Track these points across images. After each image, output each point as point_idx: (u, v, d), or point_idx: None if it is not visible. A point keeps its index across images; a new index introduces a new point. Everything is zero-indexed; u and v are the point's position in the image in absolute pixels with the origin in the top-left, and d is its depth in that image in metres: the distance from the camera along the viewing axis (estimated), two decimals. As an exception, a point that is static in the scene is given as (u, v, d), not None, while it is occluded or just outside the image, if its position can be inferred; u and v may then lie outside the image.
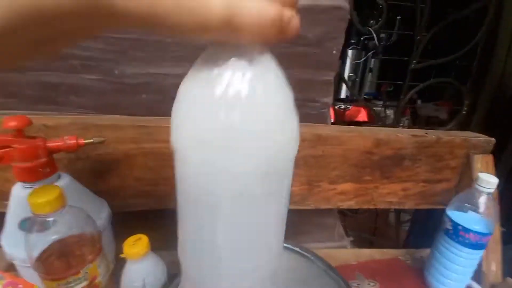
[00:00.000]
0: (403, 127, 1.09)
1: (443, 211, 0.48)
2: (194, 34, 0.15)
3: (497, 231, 0.52)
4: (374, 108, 1.05)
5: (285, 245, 0.47)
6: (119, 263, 0.40)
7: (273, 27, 0.16)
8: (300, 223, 0.65)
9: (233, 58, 0.18)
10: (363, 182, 0.57)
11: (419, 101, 1.31)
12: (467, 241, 0.43)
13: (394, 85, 1.09)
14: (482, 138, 0.58)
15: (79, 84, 0.49)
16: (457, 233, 0.44)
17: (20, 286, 0.39)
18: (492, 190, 0.43)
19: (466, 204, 0.45)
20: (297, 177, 0.53)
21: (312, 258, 0.45)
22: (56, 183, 0.39)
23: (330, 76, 0.56)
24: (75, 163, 0.48)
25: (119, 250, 0.54)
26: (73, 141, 0.38)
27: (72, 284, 0.33)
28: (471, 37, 0.87)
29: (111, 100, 0.51)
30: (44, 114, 0.47)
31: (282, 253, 0.27)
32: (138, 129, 0.47)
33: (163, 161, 0.49)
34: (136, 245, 0.36)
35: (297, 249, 0.45)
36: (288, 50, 0.51)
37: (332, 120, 0.85)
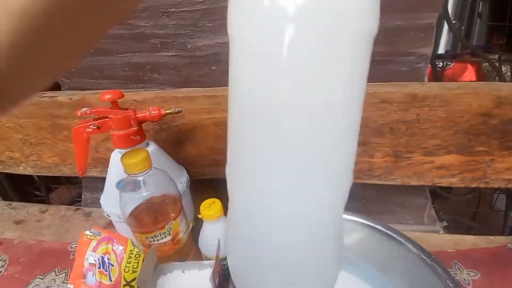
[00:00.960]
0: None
1: None
2: None
3: None
4: (485, 64, 0.75)
5: (365, 221, 0.37)
6: (197, 223, 0.40)
7: None
8: (381, 201, 0.52)
9: None
10: (474, 153, 0.40)
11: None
12: None
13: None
14: None
15: (159, 62, 0.48)
16: None
17: (115, 240, 0.40)
18: None
19: None
20: (380, 147, 0.40)
21: (400, 239, 0.33)
22: (147, 148, 0.40)
23: (431, 19, 0.40)
24: (159, 133, 0.48)
25: (197, 212, 0.53)
26: (156, 112, 0.40)
27: (158, 238, 0.34)
28: None
29: (185, 75, 0.48)
30: (134, 91, 0.47)
31: (344, 203, 0.20)
32: (209, 99, 0.43)
33: (232, 130, 0.44)
34: (211, 208, 0.35)
35: (380, 227, 0.34)
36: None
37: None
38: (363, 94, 0.17)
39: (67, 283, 0.45)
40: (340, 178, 0.19)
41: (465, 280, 0.36)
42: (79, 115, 0.37)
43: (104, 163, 0.55)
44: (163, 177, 0.35)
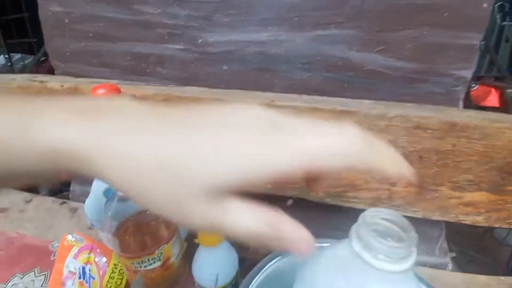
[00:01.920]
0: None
1: None
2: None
3: None
4: (509, 91, 0.70)
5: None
6: (192, 242, 0.34)
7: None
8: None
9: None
10: (504, 193, 0.35)
11: None
12: None
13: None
14: None
15: (165, 55, 0.42)
16: None
17: (98, 250, 0.35)
18: None
19: None
20: (404, 177, 0.35)
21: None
22: None
23: (475, 40, 0.34)
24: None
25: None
26: None
27: (146, 264, 0.29)
28: None
29: (192, 71, 0.42)
30: (134, 84, 0.41)
31: None
32: (216, 103, 0.36)
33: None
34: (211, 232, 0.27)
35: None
36: (409, 0, 0.32)
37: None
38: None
39: (45, 287, 0.41)
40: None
41: None
42: None
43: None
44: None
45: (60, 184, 0.79)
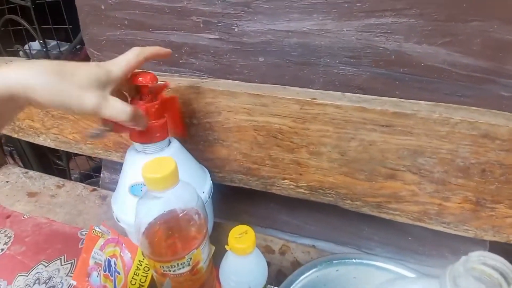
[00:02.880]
0: None
1: None
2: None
3: None
4: None
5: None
6: (218, 244, 0.32)
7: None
8: (432, 243, 0.42)
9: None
10: None
11: None
12: None
13: None
14: None
15: (198, 45, 0.39)
16: None
17: (124, 244, 0.33)
18: None
19: None
20: (461, 190, 0.30)
21: None
22: (166, 149, 0.34)
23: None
24: (188, 128, 0.39)
25: (219, 227, 0.45)
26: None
27: (175, 268, 0.27)
28: None
29: (226, 63, 0.39)
30: (167, 76, 0.39)
31: None
32: (252, 98, 0.34)
33: (275, 139, 0.35)
34: (243, 240, 0.28)
35: None
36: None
37: None
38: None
39: (71, 276, 0.40)
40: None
41: None
42: None
43: (126, 149, 0.49)
44: (190, 193, 0.27)
45: (91, 170, 0.81)
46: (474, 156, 0.30)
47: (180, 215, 0.26)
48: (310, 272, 0.31)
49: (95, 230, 0.40)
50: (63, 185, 0.58)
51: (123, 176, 0.34)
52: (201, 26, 0.40)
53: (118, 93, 0.28)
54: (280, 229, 0.51)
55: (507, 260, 0.14)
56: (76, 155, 0.74)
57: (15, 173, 0.61)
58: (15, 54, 0.64)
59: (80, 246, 0.44)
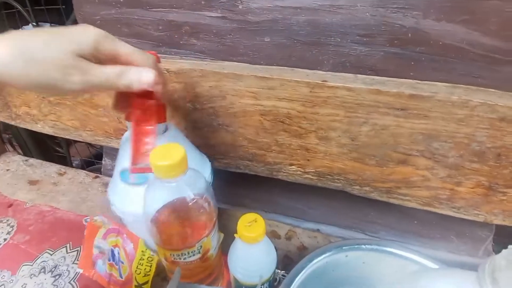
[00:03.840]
0: None
1: None
2: None
3: None
4: None
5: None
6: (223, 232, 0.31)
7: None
8: (438, 227, 0.42)
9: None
10: None
11: None
12: None
13: None
14: None
15: (199, 24, 0.36)
16: None
17: (124, 235, 0.32)
18: None
19: None
20: (474, 175, 0.29)
21: None
22: (163, 134, 0.31)
23: None
24: (191, 113, 0.37)
25: (225, 214, 0.44)
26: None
27: (185, 256, 0.26)
28: None
29: (229, 43, 0.36)
30: (168, 58, 0.36)
31: None
32: (259, 81, 0.31)
33: (283, 124, 0.33)
34: (252, 228, 0.26)
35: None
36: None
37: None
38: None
39: (77, 264, 0.39)
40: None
41: None
42: None
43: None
44: (200, 180, 0.26)
45: (93, 156, 0.79)
46: (491, 140, 0.28)
47: (190, 203, 0.24)
48: (320, 258, 0.30)
49: (95, 220, 0.38)
50: (65, 172, 0.56)
51: (117, 163, 0.33)
52: (202, 3, 0.37)
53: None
54: (284, 213, 0.50)
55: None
56: (76, 141, 0.72)
57: (15, 161, 0.59)
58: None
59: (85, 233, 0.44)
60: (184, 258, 0.25)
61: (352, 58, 0.34)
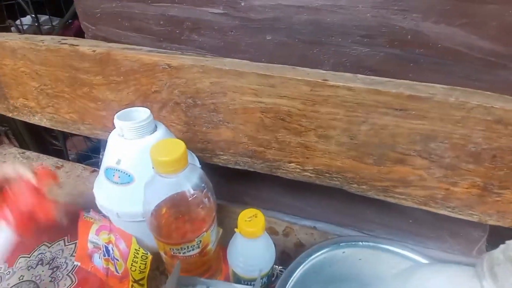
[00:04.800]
0: None
1: None
2: None
3: None
4: None
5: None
6: (225, 226, 0.32)
7: None
8: (432, 226, 0.43)
9: None
10: None
11: None
12: None
13: None
14: None
15: (201, 20, 0.36)
16: None
17: (117, 234, 0.32)
18: None
19: None
20: (470, 175, 0.29)
21: None
22: (152, 135, 0.31)
23: None
24: (191, 109, 0.37)
25: (223, 209, 0.45)
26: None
27: (185, 251, 0.26)
28: None
29: (230, 40, 0.36)
30: (168, 53, 0.36)
31: None
32: (260, 79, 0.32)
33: (283, 122, 0.34)
34: (253, 223, 0.27)
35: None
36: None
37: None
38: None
39: (75, 256, 0.40)
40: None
41: None
42: None
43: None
44: (199, 176, 0.26)
45: (89, 150, 0.79)
46: (487, 141, 0.29)
47: (190, 198, 0.24)
48: (317, 254, 0.30)
49: (86, 216, 0.39)
50: (62, 165, 0.56)
51: (103, 159, 0.33)
52: (205, -1, 0.37)
53: None
54: (282, 211, 0.51)
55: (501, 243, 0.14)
56: (72, 134, 0.71)
57: (11, 153, 0.59)
58: (7, 29, 0.60)
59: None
60: (184, 253, 0.26)
61: (352, 58, 0.35)
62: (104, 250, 0.36)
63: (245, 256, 0.27)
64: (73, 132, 0.52)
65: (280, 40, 0.37)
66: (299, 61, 0.37)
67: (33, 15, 0.55)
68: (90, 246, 0.37)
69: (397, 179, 0.35)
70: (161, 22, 0.40)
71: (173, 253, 0.26)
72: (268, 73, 0.33)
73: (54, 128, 0.53)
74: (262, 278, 0.28)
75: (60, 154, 0.71)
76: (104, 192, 0.32)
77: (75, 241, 0.41)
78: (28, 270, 0.38)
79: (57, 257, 0.39)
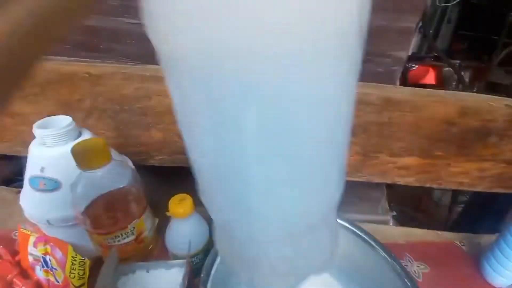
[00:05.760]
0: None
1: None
2: None
3: None
4: (446, 69, 0.77)
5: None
6: (163, 216, 0.35)
7: None
8: (344, 193, 0.52)
9: None
10: (432, 157, 0.41)
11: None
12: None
13: (476, 41, 0.78)
14: None
15: (119, 30, 0.39)
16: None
17: (51, 244, 0.34)
18: None
19: None
20: (352, 146, 0.39)
21: (358, 232, 0.35)
22: (77, 140, 0.32)
23: (411, 23, 0.37)
24: (119, 114, 0.40)
25: (162, 204, 0.48)
26: None
27: (119, 238, 0.29)
28: None
29: (149, 48, 0.39)
30: (88, 62, 0.38)
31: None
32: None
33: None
34: (182, 205, 0.31)
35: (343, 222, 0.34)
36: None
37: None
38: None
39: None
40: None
41: (416, 273, 0.38)
42: None
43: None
44: (125, 169, 0.29)
45: (12, 173, 0.71)
46: (356, 118, 0.39)
47: (117, 191, 0.28)
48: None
49: (23, 229, 0.38)
50: (-20, 190, 0.52)
51: (26, 170, 0.33)
52: (120, 9, 0.39)
53: None
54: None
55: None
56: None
57: None
58: None
59: (17, 248, 0.42)
60: (119, 241, 0.29)
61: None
62: (43, 261, 0.36)
63: (177, 235, 0.31)
64: (-11, 151, 0.49)
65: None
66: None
67: None
68: (30, 258, 0.37)
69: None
70: (78, 32, 0.41)
71: (108, 242, 0.28)
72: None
73: (-36, 149, 0.48)
74: (195, 256, 0.33)
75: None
76: (31, 202, 0.32)
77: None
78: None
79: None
